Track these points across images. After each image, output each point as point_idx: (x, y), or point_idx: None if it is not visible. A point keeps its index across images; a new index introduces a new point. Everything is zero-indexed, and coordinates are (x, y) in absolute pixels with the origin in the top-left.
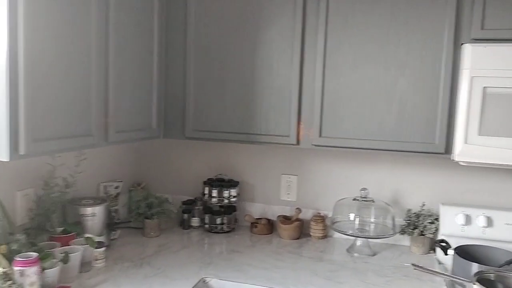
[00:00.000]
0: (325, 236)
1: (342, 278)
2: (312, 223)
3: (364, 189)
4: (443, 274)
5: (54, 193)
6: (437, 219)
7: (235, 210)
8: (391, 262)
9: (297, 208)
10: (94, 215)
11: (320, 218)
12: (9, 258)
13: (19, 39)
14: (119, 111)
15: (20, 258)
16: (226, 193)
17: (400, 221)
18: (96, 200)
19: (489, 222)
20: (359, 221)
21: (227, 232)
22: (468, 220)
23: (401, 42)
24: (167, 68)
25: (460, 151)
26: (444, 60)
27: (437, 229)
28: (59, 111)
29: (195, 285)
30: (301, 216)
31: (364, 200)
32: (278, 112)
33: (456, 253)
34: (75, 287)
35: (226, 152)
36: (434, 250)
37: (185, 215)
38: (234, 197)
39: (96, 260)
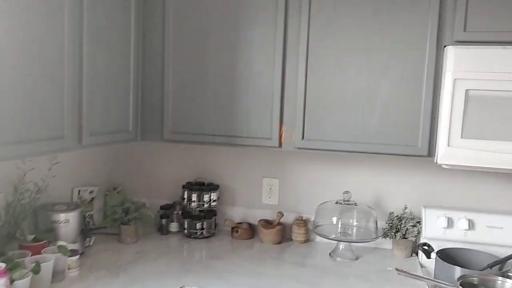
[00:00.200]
0: (307, 240)
1: (326, 285)
2: (294, 227)
3: (346, 192)
4: (427, 278)
5: (25, 199)
6: (419, 222)
7: (215, 215)
8: (374, 266)
9: (279, 212)
10: (67, 221)
11: (302, 222)
12: None
13: None
14: (94, 113)
15: None
16: (206, 197)
17: (382, 224)
18: (70, 206)
19: (471, 224)
20: (341, 224)
21: (207, 237)
22: (450, 223)
23: (384, 43)
24: (144, 68)
25: (443, 154)
26: (427, 62)
27: (419, 232)
28: (29, 113)
29: None
30: (282, 220)
31: (347, 204)
32: (260, 114)
33: (439, 256)
34: None
35: (205, 154)
36: (416, 253)
37: (163, 220)
38: (214, 201)
39: (70, 269)
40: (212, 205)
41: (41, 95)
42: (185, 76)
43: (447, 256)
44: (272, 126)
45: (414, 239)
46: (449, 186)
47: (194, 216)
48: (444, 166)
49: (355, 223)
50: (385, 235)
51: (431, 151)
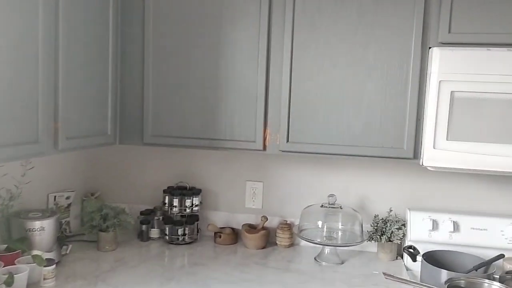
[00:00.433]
0: (291, 245)
1: None
2: (278, 231)
3: (331, 195)
4: (415, 282)
5: None
6: (404, 225)
7: (197, 220)
8: (360, 270)
9: (263, 216)
10: (42, 229)
11: (287, 226)
12: None
13: None
14: (70, 116)
15: None
16: (188, 202)
17: (367, 227)
18: (45, 213)
19: (456, 226)
20: (326, 228)
21: (189, 243)
22: (435, 225)
23: (369, 45)
24: (123, 69)
25: (429, 156)
26: (412, 64)
27: (404, 235)
28: (0, 116)
29: None
30: (266, 224)
31: (332, 207)
32: (244, 116)
33: (425, 259)
34: None
35: (187, 158)
36: (401, 256)
37: (144, 226)
38: (196, 205)
39: (45, 279)
40: (194, 210)
41: (13, 97)
42: (166, 77)
43: (433, 258)
44: (256, 128)
45: (399, 242)
46: (433, 188)
47: (175, 222)
48: (429, 169)
49: (340, 227)
50: (370, 238)
51: (416, 153)
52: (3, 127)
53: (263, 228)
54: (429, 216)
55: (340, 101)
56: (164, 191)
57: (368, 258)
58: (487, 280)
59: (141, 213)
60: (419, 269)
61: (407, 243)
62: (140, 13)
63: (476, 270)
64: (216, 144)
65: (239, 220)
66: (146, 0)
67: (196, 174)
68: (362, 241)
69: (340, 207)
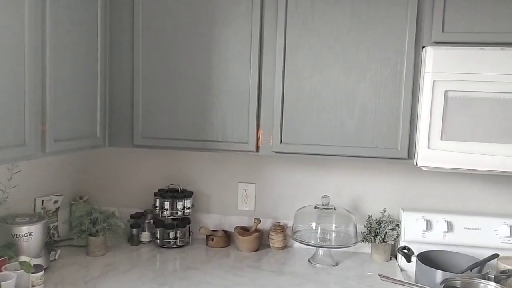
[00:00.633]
0: (285, 247)
1: None
2: (271, 233)
3: (325, 196)
4: (411, 284)
5: None
6: (398, 226)
7: (189, 223)
8: (354, 271)
9: (256, 218)
10: (30, 234)
11: (280, 228)
12: None
13: None
14: (58, 118)
15: None
16: (179, 205)
17: (361, 228)
18: (33, 217)
19: (450, 226)
20: (320, 229)
21: (181, 246)
22: (429, 225)
23: (362, 45)
24: (112, 70)
25: (423, 156)
26: (405, 63)
27: (398, 235)
28: None
29: None
30: (259, 226)
31: (326, 208)
32: (236, 117)
33: (419, 260)
34: None
35: (178, 160)
36: (395, 257)
37: (134, 230)
38: (188, 208)
39: (34, 286)
40: (186, 213)
41: None
42: (156, 78)
43: (427, 259)
44: (248, 130)
45: (393, 242)
46: (427, 188)
47: (167, 225)
48: (424, 169)
49: (334, 228)
50: (364, 239)
51: (410, 153)
52: None
53: (256, 230)
54: (423, 216)
55: (334, 102)
56: (155, 194)
57: (362, 259)
58: (482, 280)
59: (131, 216)
60: (413, 270)
61: (401, 243)
62: (129, 14)
63: (471, 270)
64: (208, 146)
65: (231, 222)
66: (135, 0)
67: (187, 176)
68: (357, 242)
69: (334, 208)
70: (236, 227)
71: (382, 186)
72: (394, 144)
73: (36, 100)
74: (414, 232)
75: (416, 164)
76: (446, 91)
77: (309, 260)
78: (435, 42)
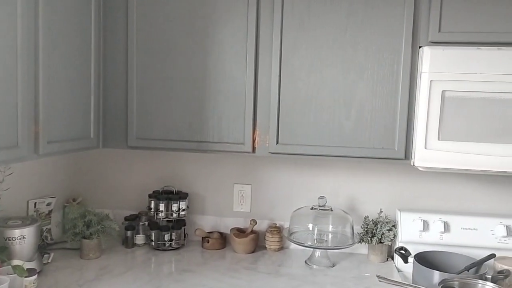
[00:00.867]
0: (281, 248)
1: None
2: (267, 234)
3: (322, 197)
4: (409, 285)
5: None
6: (394, 226)
7: (184, 225)
8: (351, 273)
9: (252, 219)
10: (23, 238)
11: (276, 229)
12: None
13: None
14: (51, 119)
15: None
16: (174, 206)
17: (358, 228)
18: (25, 220)
19: (446, 227)
20: (317, 231)
21: (176, 249)
22: (425, 226)
23: (359, 45)
24: (106, 70)
25: (420, 156)
26: (402, 63)
27: (395, 236)
28: None
29: None
30: (255, 228)
31: (322, 209)
32: (232, 118)
33: (416, 260)
34: None
35: (173, 161)
36: (392, 257)
37: (129, 232)
38: (183, 210)
39: None
40: (181, 215)
41: None
42: (151, 79)
43: (424, 259)
44: (244, 130)
45: (390, 243)
46: (423, 188)
47: (162, 227)
48: (421, 169)
49: (331, 229)
50: (361, 240)
51: (407, 153)
52: None
53: (252, 232)
54: (420, 217)
55: (330, 102)
56: (150, 196)
57: (359, 260)
58: (480, 281)
59: (126, 218)
60: (410, 270)
61: (398, 244)
62: (123, 14)
63: (468, 270)
64: (204, 147)
65: (227, 224)
66: (130, 0)
67: (182, 177)
68: (354, 243)
69: (331, 209)
70: (232, 229)
71: (379, 187)
72: (391, 144)
73: (29, 101)
74: (411, 232)
75: (413, 165)
76: (443, 91)
77: (305, 262)
78: (432, 42)
